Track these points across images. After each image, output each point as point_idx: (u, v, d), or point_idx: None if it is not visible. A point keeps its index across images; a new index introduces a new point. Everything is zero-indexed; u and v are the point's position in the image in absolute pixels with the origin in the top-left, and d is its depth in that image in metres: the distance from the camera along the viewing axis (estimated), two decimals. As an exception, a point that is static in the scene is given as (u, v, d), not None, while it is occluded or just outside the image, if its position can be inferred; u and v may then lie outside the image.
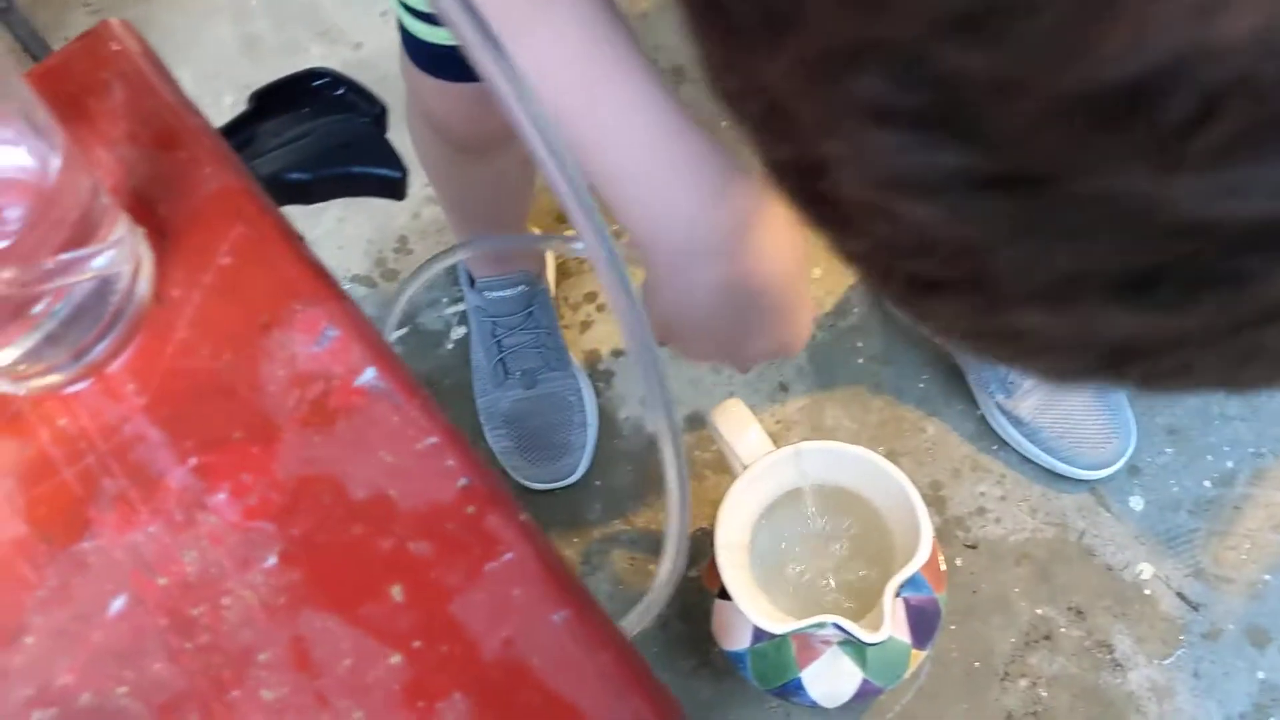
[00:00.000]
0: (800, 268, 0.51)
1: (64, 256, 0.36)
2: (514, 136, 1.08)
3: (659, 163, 0.47)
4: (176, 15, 1.59)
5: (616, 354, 1.29)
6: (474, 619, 0.36)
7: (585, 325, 1.31)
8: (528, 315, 1.21)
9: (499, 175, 1.02)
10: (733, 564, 0.96)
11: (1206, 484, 1.16)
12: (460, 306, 1.33)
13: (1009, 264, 0.21)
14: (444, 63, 0.82)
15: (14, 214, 0.36)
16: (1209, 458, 1.17)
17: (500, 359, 1.22)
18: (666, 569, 0.44)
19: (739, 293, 0.49)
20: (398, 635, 0.36)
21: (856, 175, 0.21)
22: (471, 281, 1.23)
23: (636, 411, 1.26)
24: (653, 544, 1.20)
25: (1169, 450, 1.18)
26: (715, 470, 1.22)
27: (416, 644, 0.36)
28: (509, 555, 0.36)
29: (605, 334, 1.30)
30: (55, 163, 0.36)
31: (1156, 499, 1.16)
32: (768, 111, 0.22)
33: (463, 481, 0.37)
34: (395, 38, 1.38)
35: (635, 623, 0.44)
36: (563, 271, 1.34)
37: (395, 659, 0.36)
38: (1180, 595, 1.12)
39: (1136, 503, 1.16)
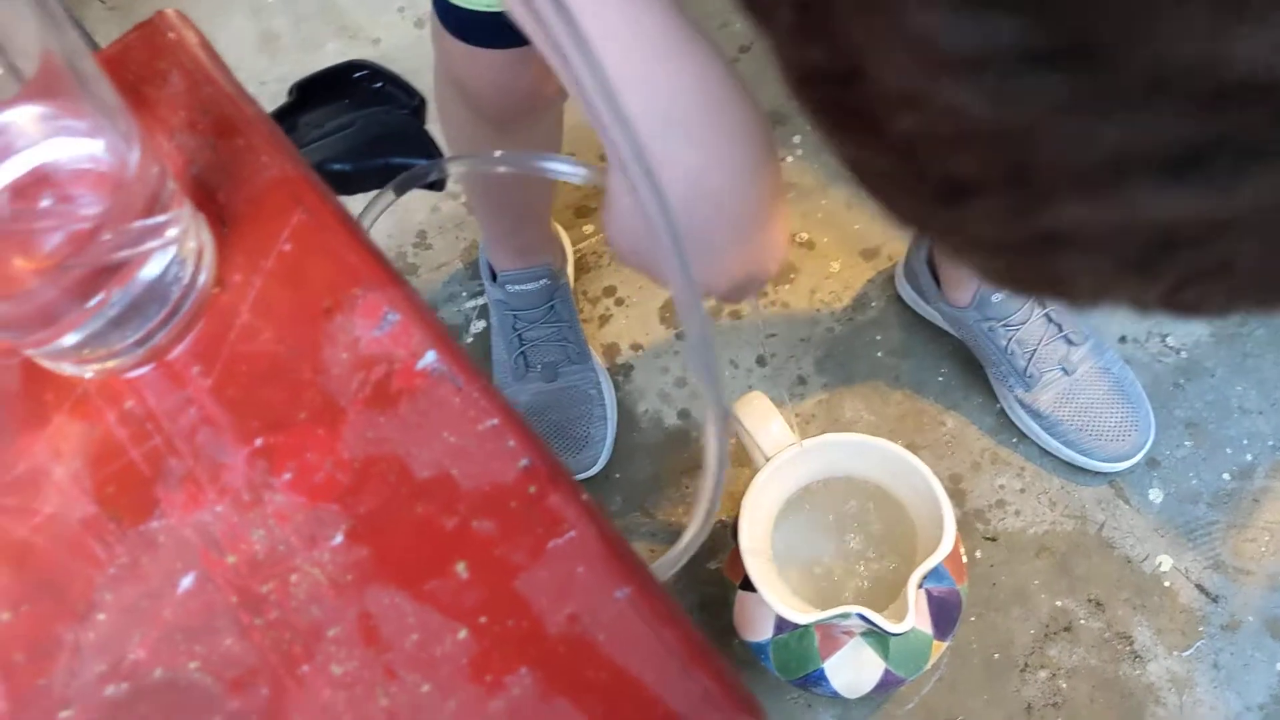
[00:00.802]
0: (767, 167, 0.48)
1: (136, 225, 0.37)
2: (540, 109, 1.06)
3: (622, 22, 0.44)
4: (193, 10, 1.59)
5: (635, 348, 1.30)
6: (539, 595, 0.36)
7: (604, 319, 1.32)
8: (549, 309, 1.22)
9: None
10: (756, 555, 0.97)
11: (1225, 477, 1.16)
12: (479, 301, 1.34)
13: (1052, 148, 0.20)
14: (474, 28, 0.82)
15: (88, 201, 0.37)
16: (1228, 450, 1.18)
17: (521, 352, 1.22)
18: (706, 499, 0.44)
19: (699, 186, 0.46)
20: (464, 611, 0.36)
21: (894, 60, 0.20)
22: (493, 275, 1.24)
23: (655, 405, 1.27)
24: (672, 536, 1.21)
25: (1188, 443, 1.18)
26: (735, 463, 1.23)
27: (483, 619, 0.36)
28: (572, 533, 0.37)
29: (624, 328, 1.31)
30: (128, 152, 0.37)
31: (1175, 492, 1.16)
32: (799, 9, 0.22)
33: (524, 462, 0.38)
34: (413, 34, 1.39)
35: (669, 566, 0.44)
36: (581, 266, 1.35)
37: (462, 634, 0.36)
38: (1199, 587, 1.12)
39: (1156, 495, 1.16)
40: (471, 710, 0.35)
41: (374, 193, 0.62)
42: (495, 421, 0.39)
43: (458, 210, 1.40)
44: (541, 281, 1.20)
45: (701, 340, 0.39)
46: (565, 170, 0.56)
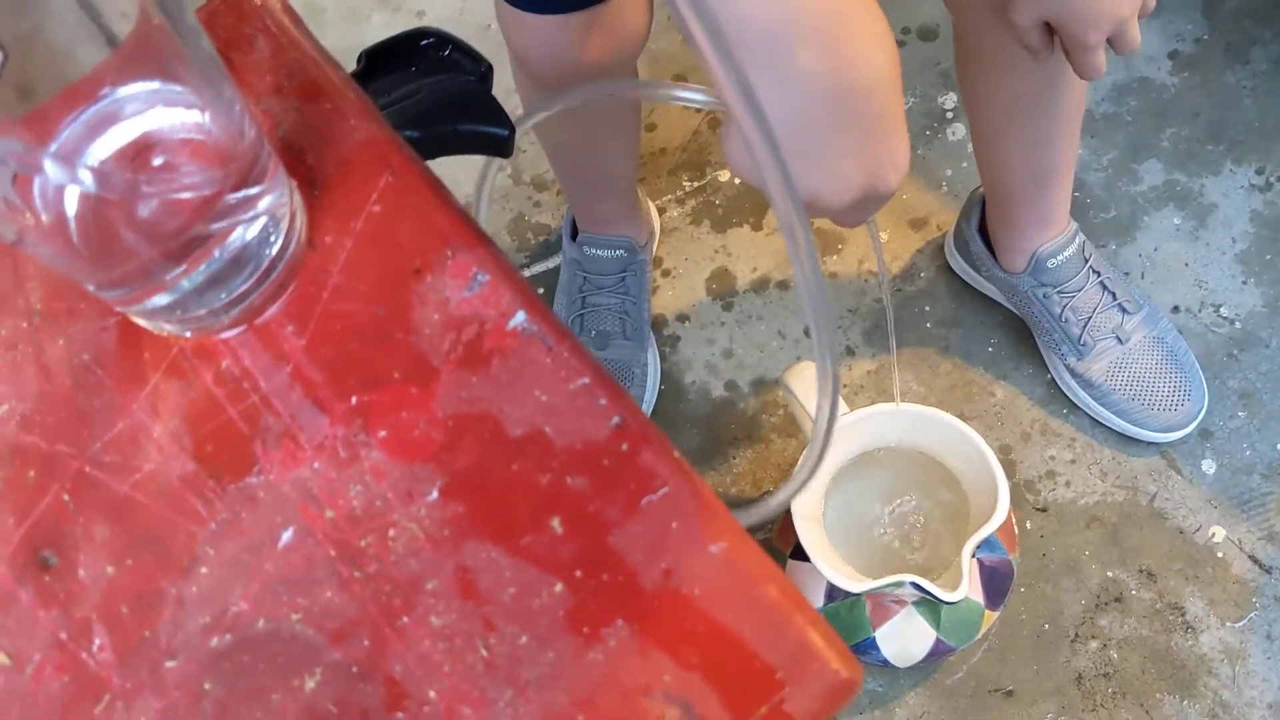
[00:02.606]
0: (896, 77, 0.47)
1: (233, 196, 0.37)
2: (594, 78, 1.07)
3: None
4: (241, -15, 1.60)
5: (682, 319, 1.30)
6: (633, 550, 0.37)
7: (652, 291, 1.32)
8: (619, 279, 1.22)
9: (590, 120, 1.03)
10: (807, 524, 0.97)
11: (1280, 448, 1.16)
12: (527, 273, 1.35)
13: None
14: None
15: (194, 170, 0.37)
16: (1283, 421, 1.17)
17: (580, 315, 1.23)
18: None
19: (837, 88, 0.45)
20: (559, 565, 0.37)
21: None
22: (574, 234, 1.24)
23: (702, 376, 1.27)
24: (721, 506, 1.21)
25: (1241, 414, 1.17)
26: (782, 434, 1.23)
27: (578, 573, 0.37)
28: (665, 489, 0.37)
29: (671, 300, 1.31)
30: (234, 123, 0.38)
31: (1229, 462, 1.16)
32: None
33: (615, 420, 0.39)
34: (456, 5, 1.38)
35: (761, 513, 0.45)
36: (628, 237, 1.35)
37: (558, 587, 0.37)
38: (1253, 558, 1.12)
39: (1208, 466, 1.16)
40: (569, 661, 0.36)
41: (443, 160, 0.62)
42: (586, 380, 0.39)
43: (504, 182, 1.41)
44: (618, 252, 1.20)
45: (813, 278, 0.39)
46: (687, 96, 0.56)
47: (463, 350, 0.40)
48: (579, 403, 0.39)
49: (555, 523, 0.38)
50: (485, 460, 0.39)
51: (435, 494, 0.38)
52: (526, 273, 1.35)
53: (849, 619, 1.02)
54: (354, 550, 0.38)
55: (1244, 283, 1.24)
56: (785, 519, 1.03)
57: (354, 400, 0.40)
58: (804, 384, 1.02)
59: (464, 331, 0.40)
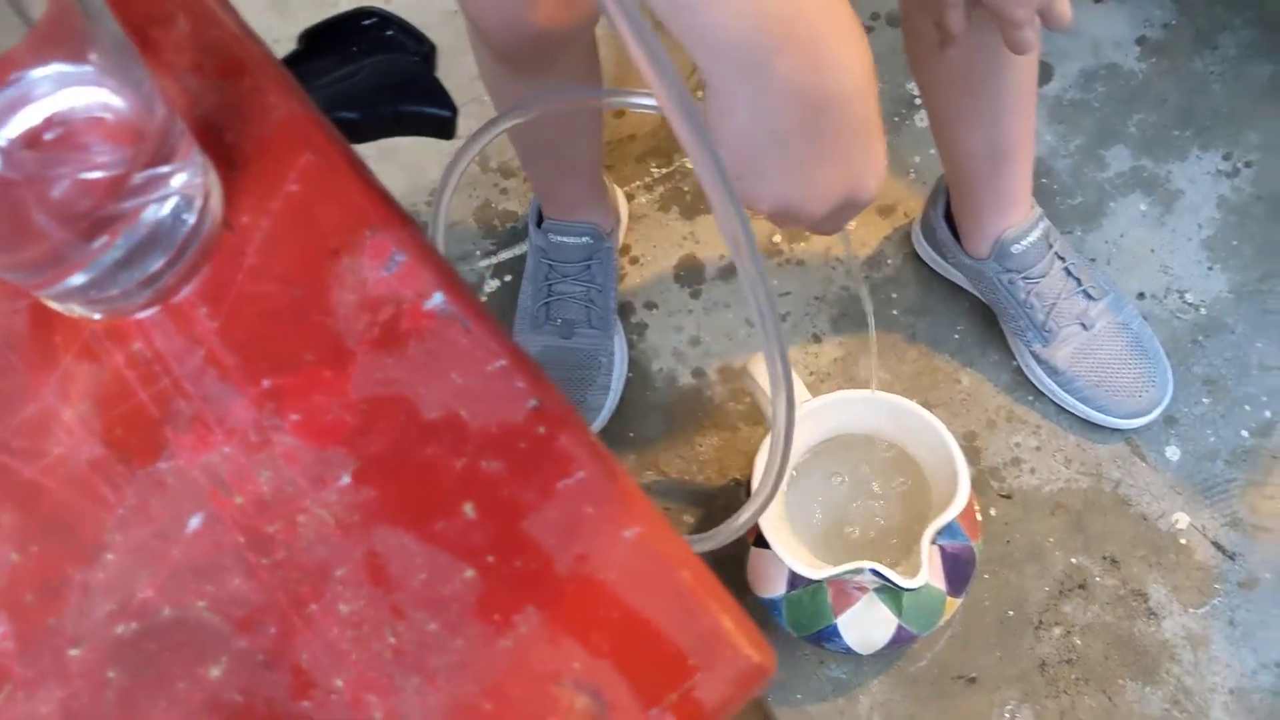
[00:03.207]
0: (872, 83, 0.47)
1: (143, 174, 0.37)
2: (555, 50, 1.07)
3: None
4: (207, -31, 1.58)
5: (649, 306, 1.29)
6: (546, 535, 0.36)
7: (619, 278, 1.31)
8: (585, 268, 1.21)
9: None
10: (769, 511, 0.96)
11: (1244, 434, 1.16)
12: (493, 260, 1.34)
13: None
14: None
15: (103, 150, 0.36)
16: (1246, 408, 1.17)
17: (545, 303, 1.22)
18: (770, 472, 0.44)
19: (820, 98, 0.45)
20: (471, 550, 0.36)
21: None
22: (539, 222, 1.23)
23: (669, 364, 1.27)
24: (686, 494, 1.21)
25: (1206, 400, 1.17)
26: (749, 422, 1.23)
27: (490, 559, 0.36)
28: (581, 474, 0.37)
29: (639, 287, 1.30)
30: (143, 102, 0.37)
31: (1193, 449, 1.15)
32: None
33: (533, 403, 0.38)
34: (428, -12, 1.35)
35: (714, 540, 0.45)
36: (595, 224, 1.34)
37: (469, 573, 0.36)
38: (1216, 545, 1.12)
39: (1173, 453, 1.16)
40: (479, 648, 0.35)
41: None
42: (504, 363, 0.38)
43: (470, 169, 1.40)
44: (583, 239, 1.19)
45: (760, 287, 0.39)
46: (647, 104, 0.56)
47: (378, 331, 0.39)
48: (496, 385, 0.38)
49: (468, 508, 0.37)
50: (399, 444, 0.38)
51: (347, 479, 0.38)
52: (493, 260, 1.34)
53: (811, 606, 1.01)
54: (262, 536, 0.37)
55: (1210, 269, 1.24)
56: (748, 506, 1.03)
57: (266, 384, 0.39)
58: (767, 372, 1.02)
59: (380, 312, 0.40)
